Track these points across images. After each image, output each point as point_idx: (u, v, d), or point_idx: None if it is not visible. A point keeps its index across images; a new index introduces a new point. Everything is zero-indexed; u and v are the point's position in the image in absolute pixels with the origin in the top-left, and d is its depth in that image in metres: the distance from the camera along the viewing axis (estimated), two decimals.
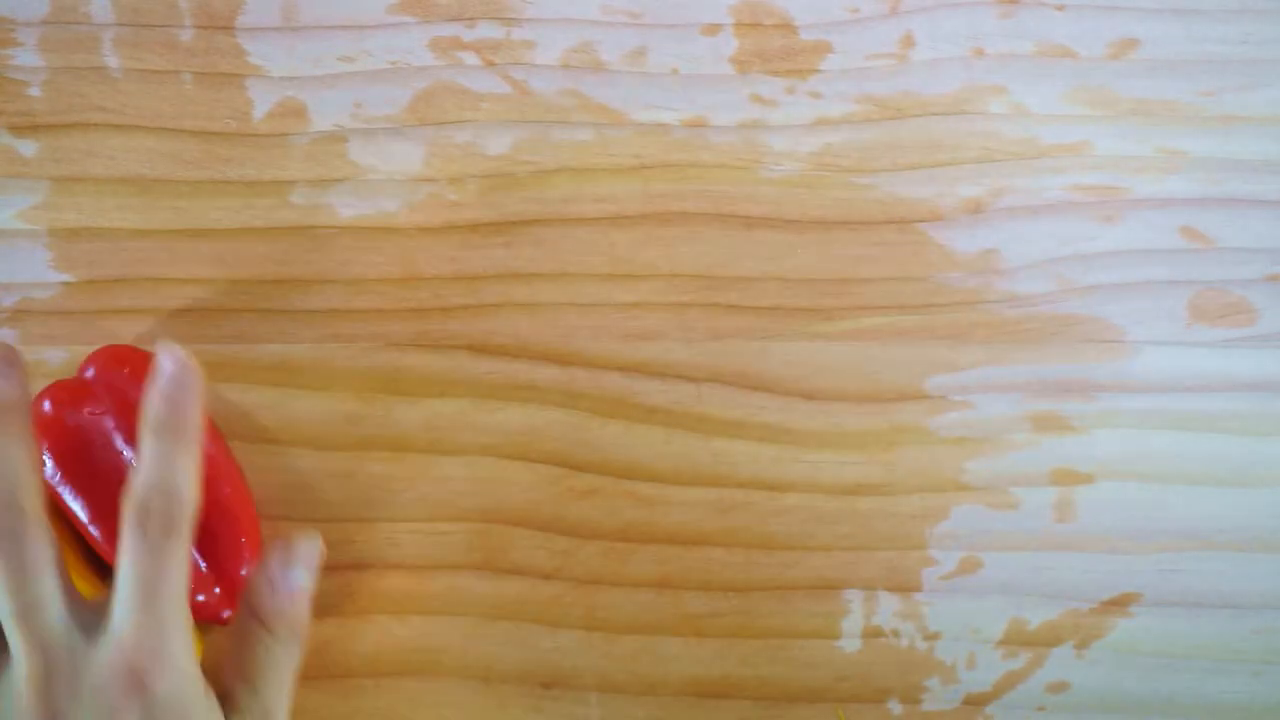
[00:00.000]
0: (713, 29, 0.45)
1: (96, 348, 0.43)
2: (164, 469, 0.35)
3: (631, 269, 0.45)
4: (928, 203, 0.45)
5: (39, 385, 0.45)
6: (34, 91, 0.45)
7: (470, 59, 0.45)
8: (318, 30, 0.45)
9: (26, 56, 0.45)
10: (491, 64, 0.45)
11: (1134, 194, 0.45)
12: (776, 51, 0.45)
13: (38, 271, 0.45)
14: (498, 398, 0.45)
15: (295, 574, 0.37)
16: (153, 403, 0.36)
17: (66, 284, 0.45)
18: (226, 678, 0.36)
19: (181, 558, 0.35)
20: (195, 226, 0.45)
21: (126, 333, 0.45)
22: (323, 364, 0.45)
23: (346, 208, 0.45)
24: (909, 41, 0.45)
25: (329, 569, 0.45)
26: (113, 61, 0.45)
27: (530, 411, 0.45)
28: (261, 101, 0.45)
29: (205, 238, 0.45)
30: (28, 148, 0.45)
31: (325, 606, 0.45)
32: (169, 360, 0.36)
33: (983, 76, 0.45)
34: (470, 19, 0.45)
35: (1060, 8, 0.45)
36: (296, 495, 0.45)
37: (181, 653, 0.34)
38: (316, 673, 0.45)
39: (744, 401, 0.45)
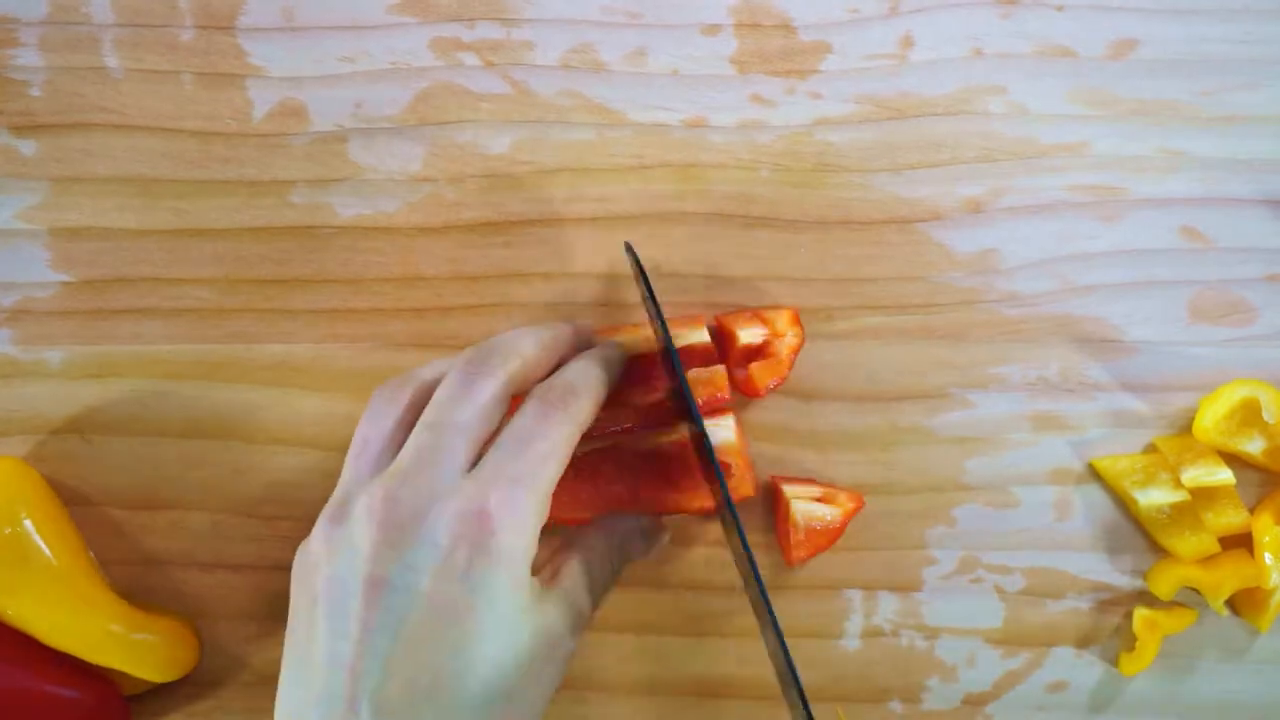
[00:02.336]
0: (713, 29, 0.45)
1: (97, 348, 0.43)
2: (579, 372, 0.38)
3: (631, 269, 0.45)
4: (928, 203, 0.45)
5: (40, 386, 0.45)
6: (34, 91, 0.45)
7: (470, 59, 0.45)
8: (318, 30, 0.45)
9: (27, 56, 0.45)
10: (491, 64, 0.45)
11: (1134, 194, 0.45)
12: (776, 51, 0.45)
13: (37, 271, 0.45)
14: None
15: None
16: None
17: (66, 284, 0.45)
18: (559, 559, 0.38)
19: (564, 436, 0.36)
20: (195, 226, 0.45)
21: (126, 333, 0.45)
22: (323, 364, 0.45)
23: (346, 208, 0.45)
24: (909, 41, 0.45)
25: None
26: (113, 61, 0.45)
27: None
28: (261, 101, 0.45)
29: (205, 238, 0.45)
30: (28, 148, 0.45)
31: None
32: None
33: (983, 76, 0.45)
34: (470, 19, 0.45)
35: (1060, 8, 0.45)
36: (296, 495, 0.45)
37: (530, 517, 0.35)
38: None
39: (744, 401, 0.45)
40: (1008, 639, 0.46)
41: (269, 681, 0.45)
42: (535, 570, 0.36)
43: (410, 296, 0.45)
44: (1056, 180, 0.45)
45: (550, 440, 0.36)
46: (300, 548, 0.36)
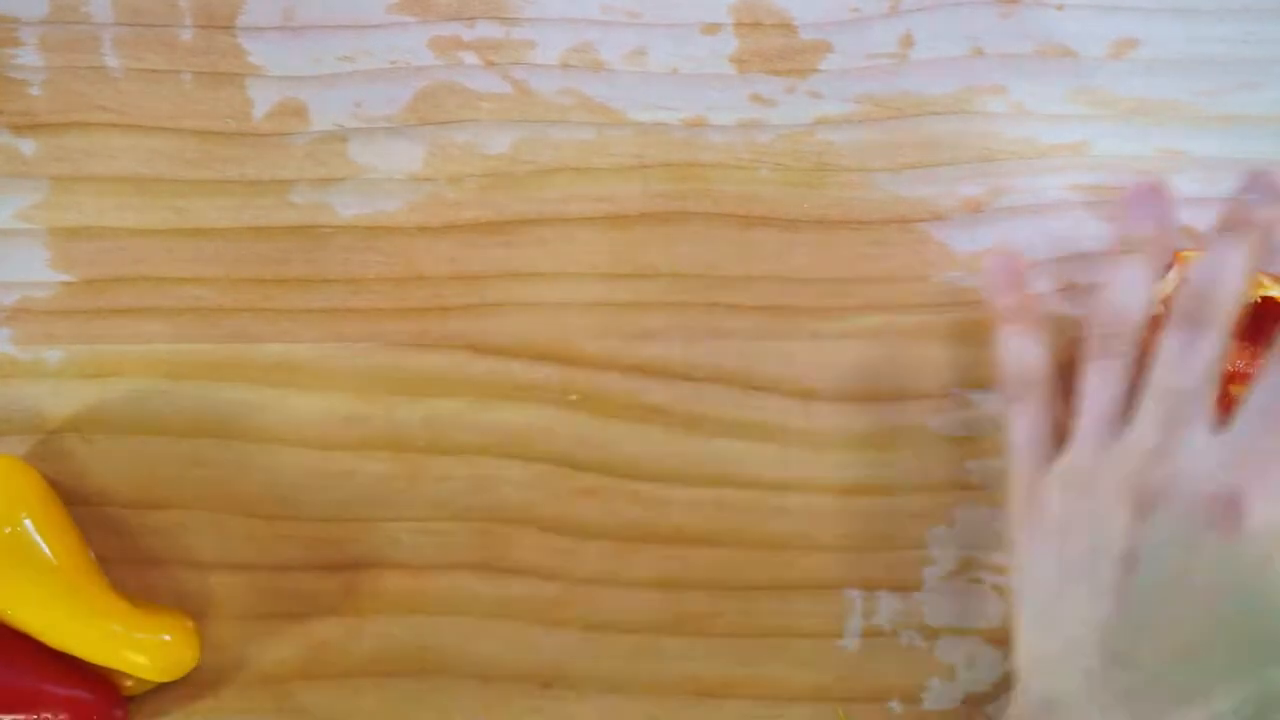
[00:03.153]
0: (713, 29, 0.45)
1: (97, 348, 0.43)
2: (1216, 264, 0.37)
3: (631, 269, 0.45)
4: (928, 202, 0.45)
5: (39, 386, 0.45)
6: (34, 91, 0.45)
7: (470, 59, 0.45)
8: (318, 30, 0.45)
9: (27, 56, 0.45)
10: (491, 64, 0.45)
11: None
12: (776, 51, 0.45)
13: (37, 271, 0.45)
14: (498, 397, 0.45)
15: None
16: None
17: (66, 283, 0.45)
18: None
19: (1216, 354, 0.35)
20: (195, 226, 0.45)
21: (126, 332, 0.45)
22: (323, 364, 0.45)
23: (346, 207, 0.45)
24: (909, 41, 0.45)
25: (329, 569, 0.45)
26: (113, 61, 0.45)
27: (530, 411, 0.45)
28: (261, 101, 0.45)
29: (205, 238, 0.45)
30: (28, 147, 0.45)
31: (325, 606, 0.45)
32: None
33: (983, 76, 0.45)
34: (470, 19, 0.45)
35: (1060, 8, 0.45)
36: (296, 495, 0.45)
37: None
38: (316, 672, 0.45)
39: (744, 401, 0.45)
40: (1008, 639, 0.45)
41: (269, 681, 0.45)
42: None
43: (410, 296, 0.45)
44: (1056, 180, 0.45)
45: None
46: (1031, 501, 0.37)
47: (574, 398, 0.45)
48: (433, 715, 0.45)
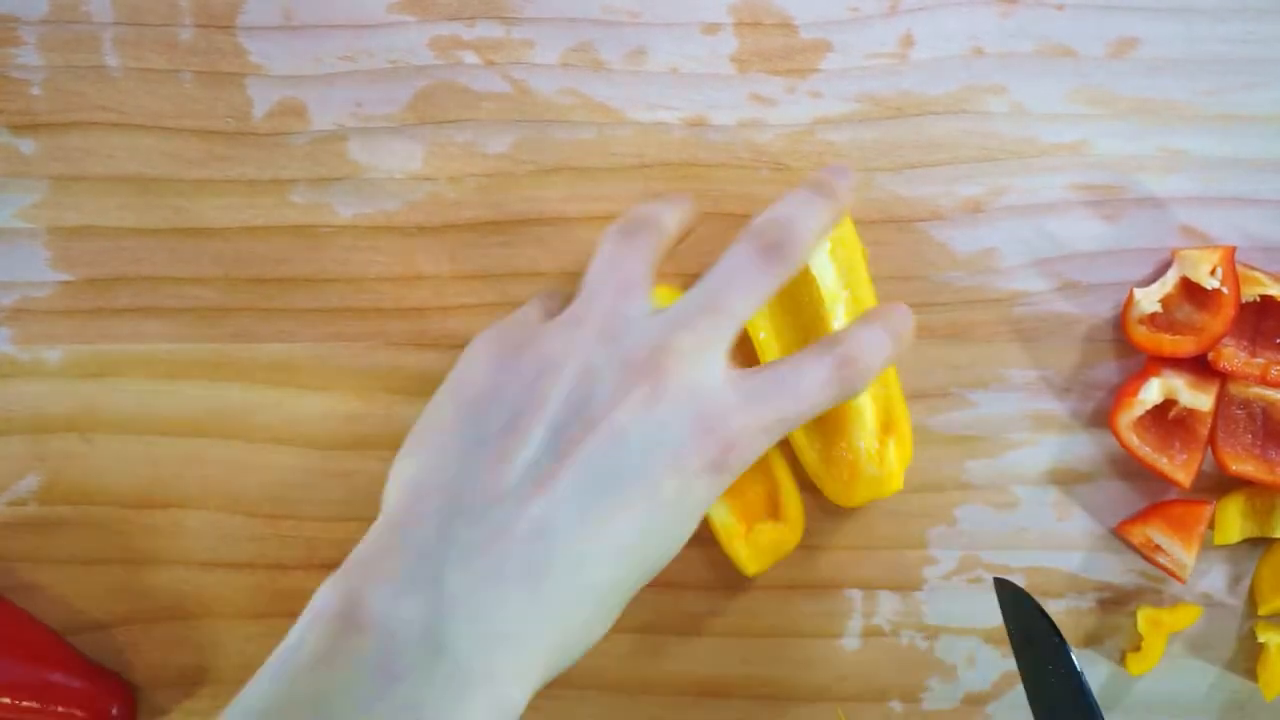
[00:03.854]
0: (713, 28, 0.45)
1: (97, 347, 0.43)
2: (794, 209, 0.38)
3: None
4: (927, 202, 0.45)
5: (40, 385, 0.45)
6: (34, 90, 0.45)
7: (470, 58, 0.45)
8: (318, 29, 0.45)
9: (27, 56, 0.45)
10: (491, 63, 0.45)
11: (1134, 193, 0.45)
12: (776, 50, 0.45)
13: (37, 270, 0.45)
14: None
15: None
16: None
17: (66, 283, 0.45)
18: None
19: (823, 399, 0.36)
20: (195, 226, 0.45)
21: (126, 332, 0.45)
22: (323, 363, 0.45)
23: (346, 207, 0.45)
24: (909, 41, 0.45)
25: (329, 569, 0.45)
26: (113, 61, 0.45)
27: None
28: (261, 101, 0.45)
29: (205, 237, 0.45)
30: (28, 147, 0.45)
31: None
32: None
33: (982, 76, 0.45)
34: (470, 18, 0.45)
35: (1060, 7, 0.45)
36: (296, 495, 0.45)
37: (712, 356, 0.35)
38: None
39: None
40: (1007, 639, 0.46)
41: None
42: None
43: (410, 296, 0.45)
44: (1057, 180, 0.45)
45: (817, 405, 0.36)
46: (519, 326, 0.37)
47: None
48: None
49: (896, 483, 0.42)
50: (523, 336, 0.36)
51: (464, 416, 0.35)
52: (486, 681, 0.31)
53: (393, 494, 0.34)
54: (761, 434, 0.35)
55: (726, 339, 0.36)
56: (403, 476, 0.34)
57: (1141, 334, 0.43)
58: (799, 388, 0.36)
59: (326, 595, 0.32)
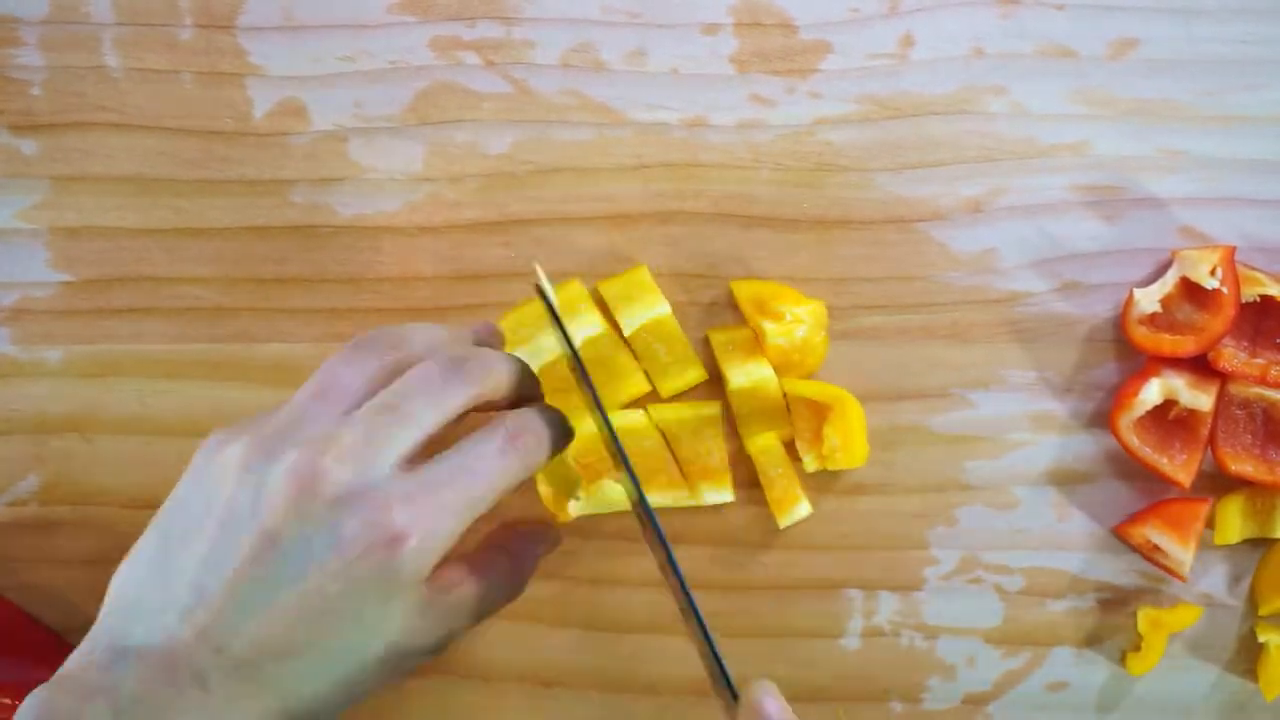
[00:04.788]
0: (713, 29, 0.45)
1: (97, 347, 0.43)
2: (549, 423, 0.38)
3: (631, 269, 0.45)
4: (927, 202, 0.45)
5: (40, 385, 0.45)
6: (35, 91, 0.45)
7: (470, 58, 0.45)
8: (318, 30, 0.45)
9: (27, 56, 0.45)
10: (492, 63, 0.45)
11: (1134, 193, 0.45)
12: (776, 51, 0.45)
13: (37, 271, 0.45)
14: None
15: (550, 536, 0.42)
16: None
17: (66, 283, 0.45)
18: (458, 574, 0.37)
19: (512, 480, 0.36)
20: (195, 226, 0.45)
21: (126, 332, 0.45)
22: (323, 363, 0.45)
23: (346, 207, 0.45)
24: (909, 41, 0.45)
25: None
26: (113, 61, 0.45)
27: None
28: (261, 101, 0.45)
29: (205, 237, 0.45)
30: (28, 147, 0.45)
31: None
32: None
33: (983, 76, 0.45)
34: (470, 18, 0.45)
35: (1060, 8, 0.45)
36: None
37: (444, 545, 0.35)
38: None
39: None
40: (1008, 639, 0.46)
41: None
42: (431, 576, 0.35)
43: (410, 296, 0.45)
44: (1057, 180, 0.45)
45: (499, 479, 0.36)
46: (219, 436, 0.36)
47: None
48: (433, 715, 0.45)
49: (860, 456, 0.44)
50: (215, 444, 0.36)
51: (155, 534, 0.36)
52: None
53: (100, 612, 0.35)
54: (445, 516, 0.35)
55: (402, 439, 0.35)
56: (108, 595, 0.35)
57: (1142, 334, 0.43)
58: (475, 467, 0.35)
59: (24, 711, 0.33)
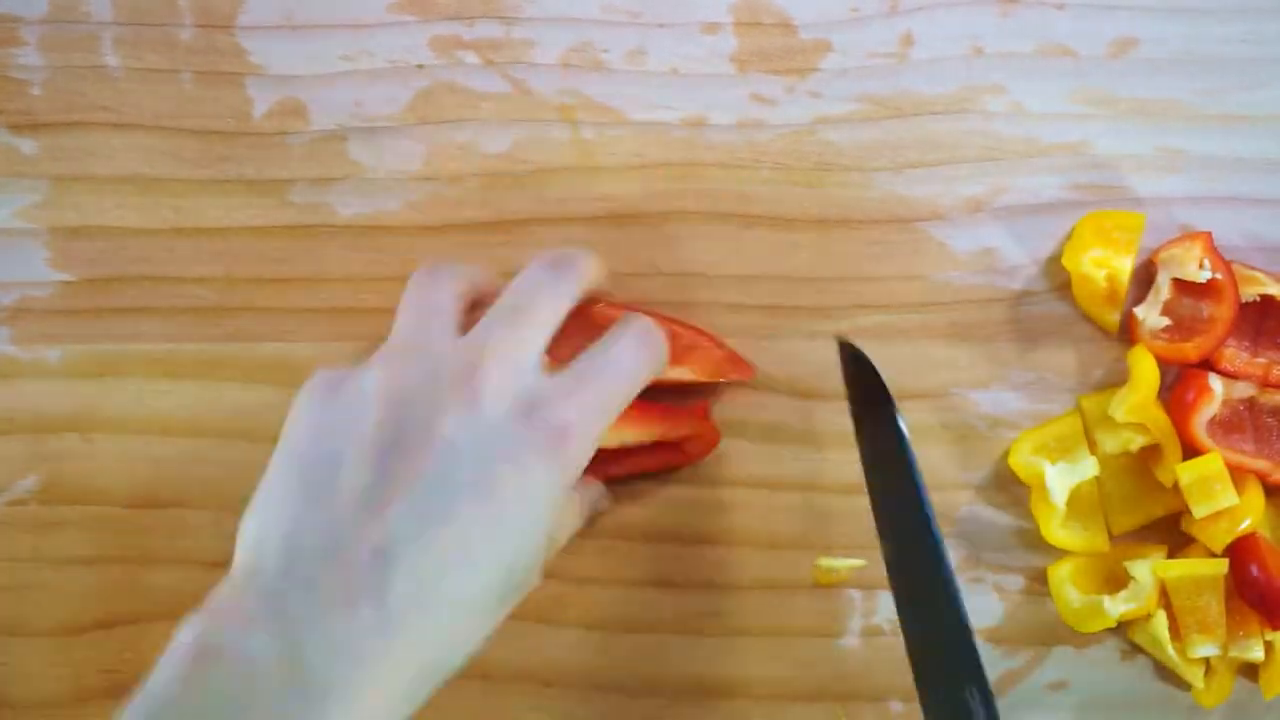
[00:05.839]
0: (713, 28, 0.45)
1: (97, 347, 0.43)
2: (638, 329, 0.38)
3: (631, 268, 0.45)
4: (928, 201, 0.45)
5: (40, 385, 0.45)
6: (35, 90, 0.45)
7: (470, 58, 0.45)
8: (318, 30, 0.45)
9: (27, 56, 0.45)
10: (491, 63, 0.45)
11: (1134, 193, 0.45)
12: (776, 50, 0.45)
13: (37, 270, 0.45)
14: None
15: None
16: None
17: (66, 283, 0.45)
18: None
19: (641, 369, 0.37)
20: (195, 226, 0.45)
21: (126, 331, 0.45)
22: (322, 363, 0.45)
23: (346, 207, 0.45)
24: (909, 40, 0.45)
25: None
26: (113, 61, 0.45)
27: None
28: (261, 101, 0.45)
29: (205, 237, 0.45)
30: (28, 147, 0.45)
31: None
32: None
33: (982, 76, 0.45)
34: (470, 18, 0.45)
35: (1060, 7, 0.45)
36: None
37: (599, 435, 0.36)
38: None
39: (744, 401, 0.45)
40: (1008, 639, 0.46)
41: None
42: None
43: None
44: (1056, 179, 0.45)
45: (638, 375, 0.37)
46: (332, 374, 0.36)
47: None
48: (433, 715, 0.45)
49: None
50: (337, 378, 0.36)
51: (293, 469, 0.35)
52: (346, 700, 0.31)
53: (238, 554, 0.35)
54: (593, 413, 0.36)
55: (535, 341, 0.36)
56: (245, 537, 0.35)
57: (1161, 348, 0.43)
58: (619, 361, 0.37)
59: (182, 637, 0.32)
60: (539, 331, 0.37)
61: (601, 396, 0.36)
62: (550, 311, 0.37)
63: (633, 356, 0.37)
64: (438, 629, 0.33)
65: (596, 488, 0.42)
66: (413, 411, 0.34)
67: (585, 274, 0.39)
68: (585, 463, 0.36)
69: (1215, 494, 0.42)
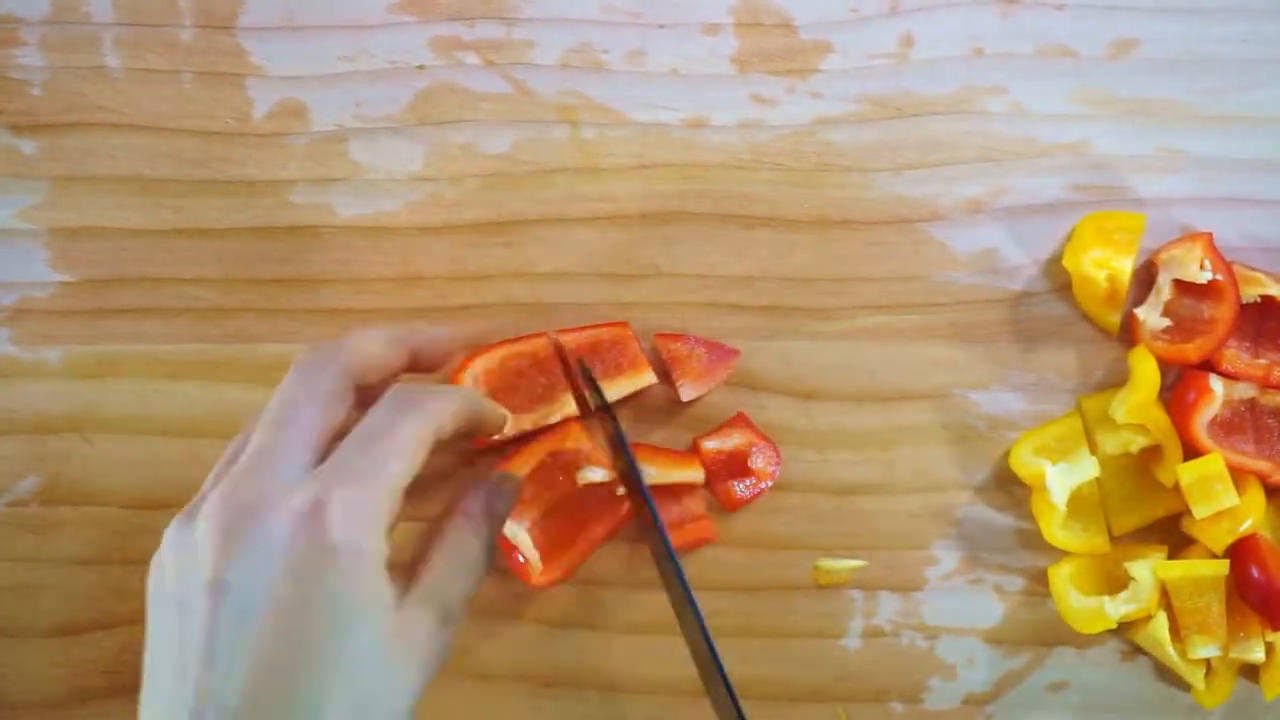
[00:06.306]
0: (713, 29, 0.45)
1: (97, 348, 0.43)
2: (435, 380, 0.37)
3: (631, 269, 0.45)
4: (927, 202, 0.45)
5: (40, 385, 0.45)
6: (35, 91, 0.45)
7: (470, 59, 0.45)
8: (318, 30, 0.45)
9: (28, 56, 0.45)
10: (491, 64, 0.45)
11: (1134, 193, 0.45)
12: (777, 51, 0.45)
13: (37, 271, 0.45)
14: None
15: (504, 495, 0.38)
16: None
17: (65, 283, 0.45)
18: (418, 561, 0.36)
19: (414, 434, 0.34)
20: (195, 226, 0.45)
21: (126, 332, 0.45)
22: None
23: (346, 207, 0.45)
24: (909, 41, 0.45)
25: None
26: (113, 61, 0.45)
27: None
28: (261, 101, 0.45)
29: (205, 238, 0.45)
30: (28, 147, 0.45)
31: None
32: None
33: (982, 76, 0.45)
34: (470, 18, 0.45)
35: (1060, 8, 0.45)
36: None
37: (371, 513, 0.33)
38: None
39: (744, 401, 0.45)
40: (1008, 639, 0.46)
41: None
42: (396, 569, 0.34)
43: (410, 296, 0.45)
44: (1057, 180, 0.45)
45: (398, 437, 0.34)
46: (156, 553, 0.35)
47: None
48: (433, 715, 0.45)
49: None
50: (185, 517, 0.35)
51: (147, 649, 0.34)
52: None
53: None
54: (359, 479, 0.34)
55: (290, 457, 0.34)
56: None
57: (1162, 349, 0.43)
58: (376, 431, 0.35)
59: None
60: (295, 449, 0.34)
61: (360, 467, 0.33)
62: (309, 420, 0.35)
63: (391, 421, 0.35)
64: None
65: (445, 554, 0.37)
66: (188, 567, 0.33)
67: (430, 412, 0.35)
68: (370, 547, 0.33)
69: (1216, 495, 0.42)
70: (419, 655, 0.34)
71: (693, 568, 0.45)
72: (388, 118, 0.45)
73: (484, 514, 0.37)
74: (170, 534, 0.34)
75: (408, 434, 0.34)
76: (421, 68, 0.45)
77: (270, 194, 0.45)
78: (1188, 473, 0.42)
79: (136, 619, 0.45)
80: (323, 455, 0.34)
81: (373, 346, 0.37)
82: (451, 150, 0.45)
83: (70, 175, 0.45)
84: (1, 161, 0.45)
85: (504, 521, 0.39)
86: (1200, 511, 0.42)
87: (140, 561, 0.45)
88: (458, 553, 0.36)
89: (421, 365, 0.38)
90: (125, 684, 0.45)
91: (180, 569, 0.33)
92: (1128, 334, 0.45)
